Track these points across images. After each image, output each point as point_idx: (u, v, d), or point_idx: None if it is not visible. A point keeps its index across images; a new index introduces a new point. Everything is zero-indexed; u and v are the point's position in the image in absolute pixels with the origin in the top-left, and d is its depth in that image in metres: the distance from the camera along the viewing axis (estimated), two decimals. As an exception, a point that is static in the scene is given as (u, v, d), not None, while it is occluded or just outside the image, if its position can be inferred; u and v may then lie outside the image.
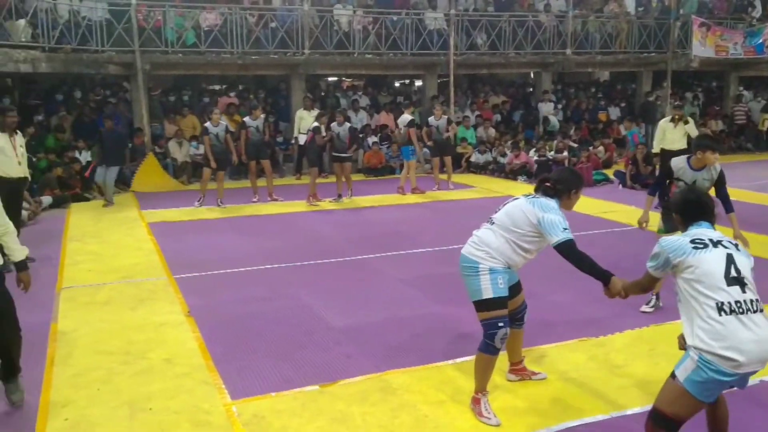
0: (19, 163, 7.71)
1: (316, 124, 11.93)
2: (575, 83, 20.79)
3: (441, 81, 17.35)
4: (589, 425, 4.02)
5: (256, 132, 11.86)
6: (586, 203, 9.85)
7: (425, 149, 13.79)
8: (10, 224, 4.25)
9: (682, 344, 3.39)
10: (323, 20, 15.49)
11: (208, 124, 11.48)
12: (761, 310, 3.09)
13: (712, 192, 5.58)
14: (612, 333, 5.46)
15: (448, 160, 13.11)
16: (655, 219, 6.11)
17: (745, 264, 3.17)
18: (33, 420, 4.13)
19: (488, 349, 4.03)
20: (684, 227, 3.43)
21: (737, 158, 16.99)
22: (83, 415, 4.19)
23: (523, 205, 4.02)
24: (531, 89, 20.02)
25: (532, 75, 20.20)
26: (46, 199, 11.47)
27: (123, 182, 13.35)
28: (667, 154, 10.85)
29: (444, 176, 13.15)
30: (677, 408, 3.13)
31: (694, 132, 11.11)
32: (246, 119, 12.03)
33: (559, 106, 18.52)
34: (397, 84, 20.61)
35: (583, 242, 3.93)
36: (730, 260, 3.13)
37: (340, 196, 11.92)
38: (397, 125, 14.30)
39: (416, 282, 6.96)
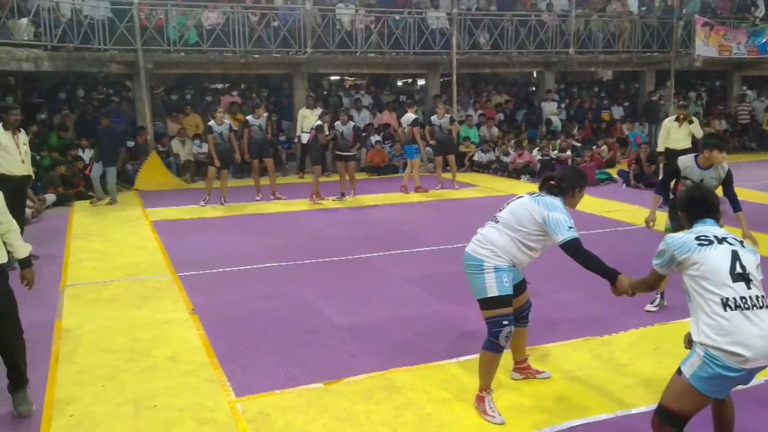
0: (23, 161, 7.73)
1: (319, 122, 11.93)
2: (578, 82, 20.76)
3: (444, 80, 17.35)
4: (594, 424, 4.02)
5: (259, 131, 11.87)
6: (590, 202, 9.83)
7: (428, 148, 13.78)
8: (14, 222, 4.25)
9: (688, 344, 3.39)
10: (325, 19, 15.49)
11: (211, 122, 11.49)
12: (767, 306, 3.09)
13: (719, 191, 5.58)
14: (616, 332, 5.46)
15: (451, 158, 13.09)
16: (662, 218, 6.09)
17: (750, 261, 3.17)
18: (38, 417, 4.14)
19: (493, 347, 4.03)
20: (689, 224, 3.43)
21: (741, 158, 16.95)
22: (88, 412, 4.19)
23: (527, 204, 4.01)
24: (534, 88, 20.00)
25: (534, 74, 20.18)
26: (50, 197, 11.49)
27: (126, 181, 13.39)
28: (671, 154, 10.87)
29: (448, 175, 13.13)
30: (683, 404, 3.13)
31: (698, 132, 11.11)
32: (249, 118, 12.03)
33: (562, 106, 18.50)
34: (399, 83, 20.61)
35: (587, 241, 3.92)
36: (735, 257, 3.14)
37: (343, 194, 11.92)
38: (400, 124, 14.31)
39: (419, 280, 6.96)
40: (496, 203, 4.54)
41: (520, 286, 4.25)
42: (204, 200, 11.40)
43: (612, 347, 5.16)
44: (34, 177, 8.56)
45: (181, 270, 7.40)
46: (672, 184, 6.15)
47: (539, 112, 18.05)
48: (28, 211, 9.42)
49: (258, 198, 11.89)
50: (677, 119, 10.91)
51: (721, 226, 3.44)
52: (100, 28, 13.52)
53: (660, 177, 11.54)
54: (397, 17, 16.11)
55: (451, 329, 5.56)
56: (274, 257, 7.93)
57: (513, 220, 4.01)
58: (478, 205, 11.20)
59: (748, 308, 3.03)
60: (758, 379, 3.90)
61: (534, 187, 4.27)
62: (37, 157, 11.61)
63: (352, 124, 12.12)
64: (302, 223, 10.16)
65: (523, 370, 4.61)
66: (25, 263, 4.35)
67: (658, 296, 5.97)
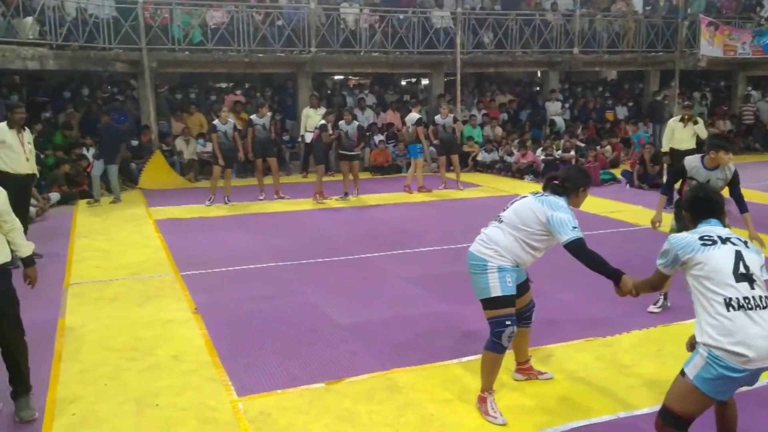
0: (27, 160, 7.75)
1: (323, 122, 11.93)
2: (582, 82, 20.73)
3: (447, 79, 17.33)
4: (597, 425, 4.01)
5: (263, 130, 11.87)
6: (594, 203, 9.82)
7: (432, 148, 13.77)
8: (17, 220, 4.23)
9: (691, 347, 3.38)
10: (330, 18, 15.49)
11: (216, 121, 11.50)
12: None
13: (726, 192, 5.56)
14: (619, 333, 5.44)
15: (455, 158, 13.06)
16: (668, 219, 6.07)
17: (754, 261, 3.17)
18: (41, 415, 4.14)
19: (495, 348, 4.02)
20: (694, 224, 3.43)
21: (746, 158, 16.88)
22: (91, 411, 4.20)
23: (531, 204, 4.01)
24: (538, 88, 19.97)
25: (539, 74, 20.15)
26: (54, 196, 11.51)
27: (130, 179, 13.41)
28: (675, 154, 10.85)
29: (451, 175, 13.11)
30: (687, 406, 3.13)
31: (703, 132, 11.08)
32: (253, 117, 12.03)
33: (566, 105, 18.47)
34: (403, 82, 20.60)
35: (591, 242, 3.91)
36: (738, 257, 3.14)
37: (346, 194, 11.92)
38: (404, 123, 14.30)
39: (422, 280, 6.95)
40: (500, 203, 4.53)
41: (523, 287, 4.24)
42: (209, 200, 11.40)
43: (615, 348, 5.15)
44: (38, 175, 8.59)
45: (184, 269, 7.41)
46: (678, 184, 6.14)
47: (543, 112, 18.03)
48: (32, 209, 9.44)
49: (261, 197, 11.90)
50: (682, 119, 10.89)
51: (728, 227, 3.43)
52: (105, 27, 13.55)
53: (664, 177, 11.57)
54: (402, 17, 16.10)
55: (453, 329, 5.56)
56: (277, 257, 7.94)
57: (517, 220, 4.01)
58: (482, 205, 11.18)
59: (751, 308, 3.03)
60: (762, 381, 3.88)
61: (537, 187, 4.26)
62: (42, 156, 11.63)
63: (356, 123, 12.12)
64: (305, 222, 10.17)
65: (525, 371, 4.60)
66: (28, 262, 4.34)
67: (662, 297, 5.95)
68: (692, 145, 10.92)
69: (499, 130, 16.80)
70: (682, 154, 10.79)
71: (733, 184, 5.76)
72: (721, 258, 3.13)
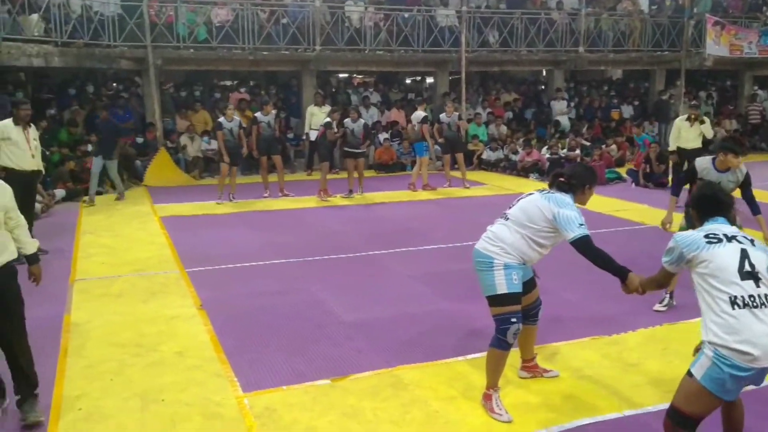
0: (33, 156, 7.77)
1: (328, 119, 11.92)
2: (588, 81, 20.68)
3: (452, 78, 17.30)
4: (602, 423, 4.00)
5: (268, 127, 11.87)
6: (599, 201, 9.79)
7: (436, 146, 13.75)
8: (22, 217, 4.20)
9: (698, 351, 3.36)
10: (334, 16, 15.48)
11: (222, 119, 11.50)
12: None
13: (738, 194, 5.54)
14: (625, 331, 5.43)
15: (460, 157, 13.01)
16: (678, 219, 6.04)
17: (760, 259, 3.15)
18: (47, 410, 4.14)
19: (500, 345, 4.02)
20: (700, 222, 3.41)
21: (752, 158, 16.79)
22: (96, 406, 4.21)
23: (537, 201, 4.00)
24: (543, 87, 19.93)
25: (544, 73, 20.10)
26: (60, 193, 11.53)
27: (135, 177, 13.44)
28: (682, 153, 10.84)
29: (457, 174, 13.08)
30: (695, 406, 3.12)
31: (709, 132, 11.08)
32: (257, 115, 12.03)
33: (572, 104, 18.43)
34: (408, 81, 20.58)
35: (597, 240, 3.89)
36: (744, 255, 3.12)
37: (351, 191, 11.92)
38: (409, 121, 14.28)
39: (427, 278, 6.95)
40: (504, 201, 4.52)
41: (529, 284, 4.24)
42: (219, 198, 11.38)
43: (621, 346, 5.13)
44: (44, 172, 8.60)
45: (189, 266, 7.42)
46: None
47: (548, 110, 17.99)
48: (37, 206, 9.47)
49: (266, 195, 11.90)
50: (688, 119, 10.86)
51: (740, 227, 3.41)
52: (110, 25, 13.56)
53: (670, 176, 11.55)
54: (406, 15, 16.08)
55: (458, 327, 5.55)
56: (281, 254, 7.94)
57: (523, 217, 4.00)
58: (486, 203, 11.17)
59: (756, 306, 3.01)
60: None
61: (542, 185, 4.25)
62: (47, 153, 11.64)
63: (362, 121, 12.12)
64: (310, 220, 10.17)
65: (530, 368, 4.60)
66: (33, 259, 4.30)
67: (667, 296, 5.94)
68: (698, 144, 10.92)
69: (503, 129, 16.78)
70: (689, 153, 10.81)
71: (745, 186, 5.72)
72: (726, 256, 3.12)
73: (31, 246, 4.27)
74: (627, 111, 19.02)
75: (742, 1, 20.52)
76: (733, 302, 3.03)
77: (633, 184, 13.28)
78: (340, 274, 7.22)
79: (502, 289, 3.94)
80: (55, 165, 12.16)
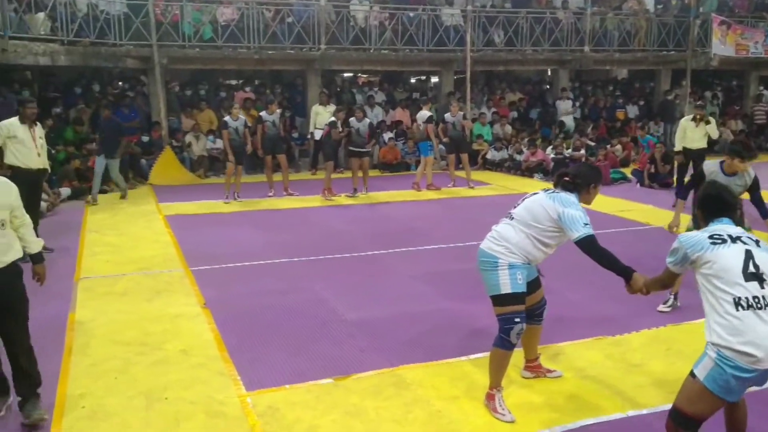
0: (39, 155, 7.79)
1: (332, 118, 11.93)
2: (593, 81, 20.63)
3: (457, 77, 17.29)
4: (606, 423, 3.99)
5: (272, 126, 11.88)
6: (604, 201, 9.76)
7: (441, 146, 13.74)
8: (27, 216, 4.19)
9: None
10: (340, 16, 15.49)
11: (227, 118, 11.51)
12: None
13: (746, 196, 5.52)
14: (629, 332, 5.42)
15: (464, 157, 12.99)
16: (686, 221, 6.02)
17: (765, 260, 3.13)
18: (51, 408, 4.15)
19: (504, 344, 4.02)
20: (705, 223, 3.40)
21: (757, 159, 16.76)
22: (100, 404, 4.22)
23: (542, 200, 3.99)
24: (548, 86, 19.89)
25: (549, 72, 20.07)
26: (65, 191, 11.57)
27: (141, 175, 13.47)
28: (687, 153, 10.80)
29: (461, 173, 13.07)
30: (697, 407, 3.11)
31: (714, 132, 11.03)
32: (262, 114, 12.05)
33: (577, 104, 18.39)
34: (412, 80, 20.57)
35: (601, 241, 3.88)
36: (749, 256, 3.11)
37: (355, 190, 11.93)
38: (414, 120, 14.28)
39: (430, 278, 6.95)
40: (509, 201, 4.52)
41: (534, 284, 4.24)
42: (227, 197, 11.40)
43: (624, 347, 5.13)
44: (49, 170, 8.63)
45: (193, 264, 7.44)
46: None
47: (553, 110, 17.96)
48: (43, 204, 9.49)
49: (270, 194, 11.92)
50: (694, 119, 10.82)
51: (749, 229, 3.40)
52: (116, 23, 13.60)
53: (675, 176, 11.51)
54: (412, 14, 16.07)
55: (461, 326, 5.55)
56: (285, 253, 7.95)
57: (528, 217, 4.00)
58: (490, 203, 11.16)
59: (761, 308, 3.00)
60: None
61: (547, 185, 4.24)
62: (53, 151, 11.68)
63: (367, 120, 12.13)
64: (314, 219, 10.18)
65: (534, 368, 4.59)
66: (37, 258, 4.29)
67: (672, 297, 5.92)
68: (704, 144, 10.88)
69: (508, 129, 16.76)
70: (694, 153, 10.78)
71: (753, 189, 5.66)
72: (731, 257, 3.11)
73: (35, 245, 4.27)
74: (632, 111, 18.97)
75: (748, 1, 20.43)
76: (737, 303, 3.01)
77: (638, 184, 13.25)
78: (344, 273, 7.23)
79: (506, 288, 3.93)
80: (60, 163, 12.20)
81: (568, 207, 3.89)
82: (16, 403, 4.08)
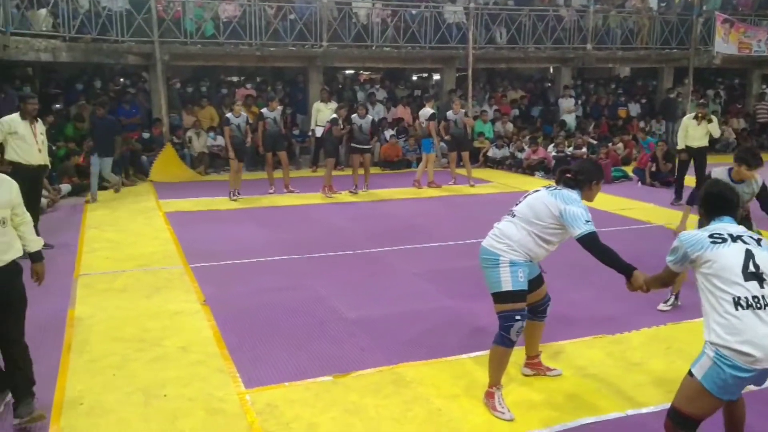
0: (40, 151, 7.77)
1: (334, 115, 11.91)
2: (595, 79, 20.58)
3: (459, 75, 17.25)
4: (605, 422, 3.98)
5: (273, 123, 11.87)
6: (605, 200, 9.74)
7: (442, 143, 13.72)
8: (27, 214, 4.16)
9: None
10: (342, 13, 15.46)
11: (229, 114, 11.49)
12: None
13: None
14: (629, 330, 5.41)
15: (465, 155, 12.96)
16: (693, 227, 5.99)
17: (766, 260, 3.11)
18: (49, 405, 4.15)
19: (504, 342, 4.01)
20: (707, 221, 3.39)
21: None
22: (98, 401, 4.21)
23: (544, 197, 3.99)
24: (549, 84, 19.85)
25: (551, 70, 20.03)
26: (65, 187, 11.56)
27: (141, 172, 13.47)
28: (688, 151, 10.78)
29: (463, 171, 13.04)
30: (695, 406, 3.10)
31: (716, 131, 11.02)
32: (263, 111, 12.03)
33: (579, 102, 18.35)
34: (414, 77, 20.54)
35: (602, 239, 3.88)
36: (749, 255, 3.10)
37: (356, 187, 11.92)
38: (417, 117, 14.25)
39: (430, 276, 6.93)
40: (510, 199, 4.51)
41: (537, 281, 4.24)
42: (232, 194, 11.38)
43: (624, 346, 5.11)
44: (50, 167, 8.61)
45: (193, 261, 7.42)
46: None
47: (555, 108, 17.92)
48: (43, 200, 9.49)
49: (271, 191, 11.90)
50: (696, 117, 10.80)
51: (758, 232, 3.38)
52: (118, 20, 13.58)
53: (676, 175, 11.49)
54: (414, 11, 16.04)
55: (461, 325, 5.54)
56: (286, 250, 7.94)
57: (530, 214, 3.99)
58: (491, 201, 11.15)
59: (760, 308, 2.99)
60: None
61: (548, 183, 4.23)
62: (53, 148, 11.67)
63: (370, 117, 12.12)
64: (314, 216, 10.16)
65: (534, 366, 4.59)
66: (36, 257, 4.23)
67: (673, 296, 5.91)
68: (705, 143, 10.87)
69: (510, 126, 16.73)
70: (695, 151, 10.77)
71: (762, 196, 5.59)
72: (731, 256, 3.09)
73: (35, 244, 4.22)
74: (634, 109, 18.94)
75: (751, -1, 20.40)
76: (737, 303, 3.00)
77: (639, 182, 13.22)
78: (344, 271, 7.21)
79: (507, 286, 3.93)
80: (60, 160, 12.19)
81: (570, 204, 3.88)
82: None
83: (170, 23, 14.04)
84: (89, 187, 11.52)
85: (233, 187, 11.40)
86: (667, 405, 3.30)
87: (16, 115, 7.66)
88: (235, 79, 17.93)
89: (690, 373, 3.12)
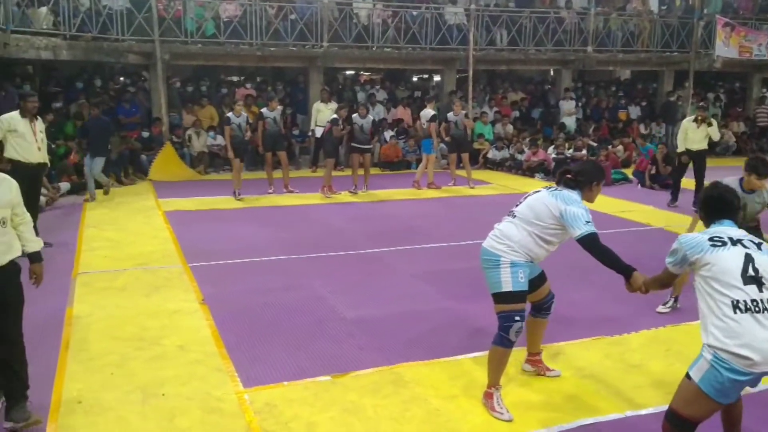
0: (39, 149, 7.77)
1: (334, 115, 11.91)
2: (596, 81, 20.60)
3: (459, 76, 17.26)
4: (604, 423, 3.98)
5: (273, 123, 11.86)
6: (605, 202, 9.75)
7: (442, 145, 13.71)
8: (27, 214, 4.13)
9: None
10: (342, 13, 15.47)
11: (230, 114, 11.50)
12: None
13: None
14: (628, 332, 5.40)
15: (465, 157, 12.94)
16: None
17: (766, 264, 3.11)
18: (47, 403, 4.14)
19: (503, 342, 4.00)
20: (707, 224, 3.39)
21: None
22: (96, 399, 4.20)
23: (545, 198, 4.00)
24: (549, 86, 19.85)
25: (551, 72, 20.03)
26: (64, 186, 11.54)
27: (141, 171, 13.46)
28: (688, 154, 10.79)
29: (461, 172, 13.04)
30: (693, 409, 3.09)
31: (716, 134, 11.02)
32: (263, 110, 12.03)
33: (579, 105, 18.36)
34: (414, 78, 20.54)
35: (601, 241, 3.88)
36: (748, 259, 3.09)
37: (355, 187, 11.91)
38: (418, 118, 14.26)
39: (429, 276, 6.93)
40: (509, 201, 4.50)
41: (540, 279, 4.25)
42: (237, 194, 11.38)
43: (623, 347, 5.11)
44: (49, 165, 8.60)
45: (192, 260, 7.42)
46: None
47: (555, 110, 17.93)
48: (42, 199, 9.48)
49: (270, 191, 11.90)
50: (696, 120, 10.80)
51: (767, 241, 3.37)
52: (118, 19, 13.59)
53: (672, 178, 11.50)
54: (415, 12, 16.04)
55: (460, 325, 5.54)
56: (285, 250, 7.93)
57: (530, 215, 3.99)
58: (491, 203, 11.15)
59: (758, 311, 2.98)
60: (765, 384, 3.83)
61: (548, 185, 4.23)
62: (53, 146, 11.66)
63: (371, 118, 12.13)
64: (314, 216, 10.16)
65: (535, 363, 4.59)
66: (35, 258, 4.18)
67: (672, 299, 5.90)
68: (704, 146, 10.89)
69: (510, 128, 16.73)
70: (694, 154, 10.78)
71: None
72: (730, 259, 3.09)
73: (34, 244, 4.17)
74: (634, 112, 18.95)
75: (752, 2, 20.39)
76: (736, 306, 3.00)
77: (639, 185, 13.23)
78: (343, 271, 7.20)
79: (507, 286, 3.93)
80: (60, 158, 12.18)
81: (571, 204, 3.88)
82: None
83: (171, 22, 14.04)
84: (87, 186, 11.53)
85: (237, 187, 11.39)
86: (666, 407, 3.29)
87: (15, 113, 7.66)
88: (235, 78, 17.93)
89: (687, 376, 3.11)
